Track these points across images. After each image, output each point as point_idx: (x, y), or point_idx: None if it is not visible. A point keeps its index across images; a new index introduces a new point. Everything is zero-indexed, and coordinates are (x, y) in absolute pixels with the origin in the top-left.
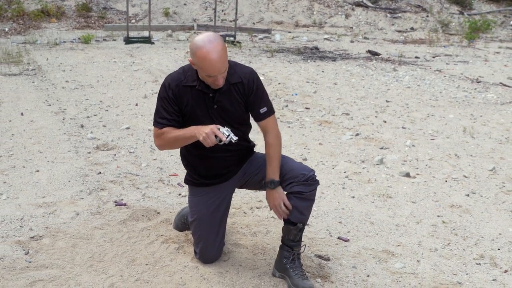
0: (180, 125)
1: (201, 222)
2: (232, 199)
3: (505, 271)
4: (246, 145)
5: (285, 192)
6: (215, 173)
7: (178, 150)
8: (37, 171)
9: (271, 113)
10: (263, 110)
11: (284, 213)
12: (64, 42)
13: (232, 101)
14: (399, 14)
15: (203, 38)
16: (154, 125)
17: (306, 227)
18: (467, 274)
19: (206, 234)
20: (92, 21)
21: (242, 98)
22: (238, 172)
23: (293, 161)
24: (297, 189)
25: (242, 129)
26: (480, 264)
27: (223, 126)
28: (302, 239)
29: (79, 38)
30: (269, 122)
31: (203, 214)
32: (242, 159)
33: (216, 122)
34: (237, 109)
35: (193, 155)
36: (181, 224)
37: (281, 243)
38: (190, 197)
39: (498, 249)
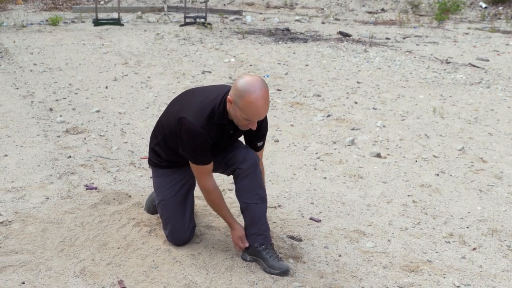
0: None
1: (167, 204)
2: None
3: (474, 249)
4: None
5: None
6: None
7: (150, 131)
8: (6, 155)
9: (263, 146)
10: (260, 144)
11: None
12: (32, 24)
13: (241, 133)
14: None
15: (252, 82)
16: (198, 163)
17: (278, 208)
18: (436, 252)
19: (173, 215)
20: (60, 3)
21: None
22: None
23: (238, 145)
24: (238, 166)
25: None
26: (449, 242)
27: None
28: (274, 221)
29: (46, 20)
30: (260, 154)
31: (168, 195)
32: None
33: (222, 149)
34: (240, 135)
35: (171, 149)
36: (153, 207)
37: None
38: (154, 179)
39: (467, 227)
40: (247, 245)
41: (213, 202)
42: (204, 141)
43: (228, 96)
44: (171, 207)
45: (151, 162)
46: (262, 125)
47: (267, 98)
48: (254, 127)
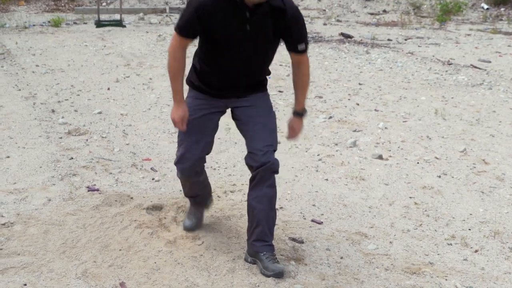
0: (206, 39)
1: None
2: None
3: (476, 251)
4: (260, 75)
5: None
6: (219, 85)
7: (152, 132)
8: (8, 157)
9: (306, 51)
10: (301, 47)
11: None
12: (34, 25)
13: (267, 26)
14: None
15: None
16: (175, 28)
17: (280, 210)
18: (438, 254)
19: (187, 137)
20: (62, 4)
21: (280, 27)
22: (236, 99)
23: (261, 126)
24: (255, 165)
25: (265, 57)
26: (451, 244)
27: (250, 50)
28: (276, 223)
29: (49, 22)
30: (304, 58)
31: (191, 116)
32: (249, 88)
33: (243, 44)
34: (269, 35)
35: (208, 65)
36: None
37: None
38: (186, 98)
39: (469, 229)
40: (184, 127)
41: (172, 70)
42: (197, 9)
43: None
44: (188, 128)
45: (188, 82)
46: (296, 22)
47: None
48: None
